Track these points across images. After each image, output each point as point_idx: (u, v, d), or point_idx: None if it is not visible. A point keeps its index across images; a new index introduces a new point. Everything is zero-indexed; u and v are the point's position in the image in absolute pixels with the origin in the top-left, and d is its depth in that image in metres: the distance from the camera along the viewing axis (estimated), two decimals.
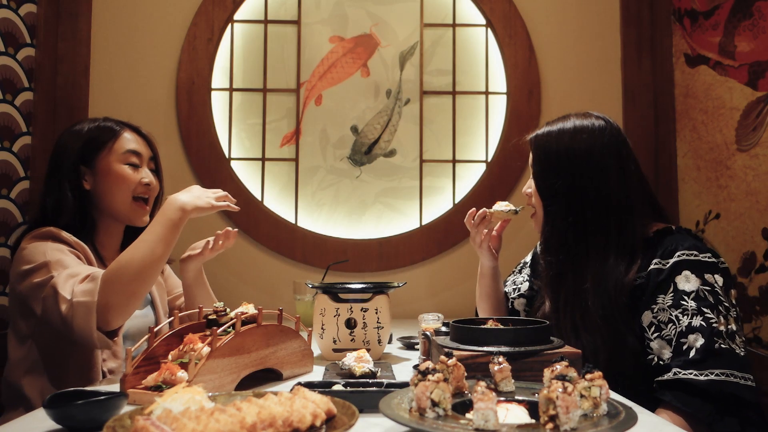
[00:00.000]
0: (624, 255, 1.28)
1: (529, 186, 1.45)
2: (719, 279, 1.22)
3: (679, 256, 1.23)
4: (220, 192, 1.43)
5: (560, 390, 0.70)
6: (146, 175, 1.53)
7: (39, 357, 1.38)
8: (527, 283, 1.62)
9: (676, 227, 1.32)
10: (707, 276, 1.21)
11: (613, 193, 1.31)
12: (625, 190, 1.32)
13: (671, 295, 1.21)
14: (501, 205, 1.54)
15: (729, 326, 1.17)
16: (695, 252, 1.24)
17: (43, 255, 1.34)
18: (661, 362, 1.19)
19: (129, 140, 1.53)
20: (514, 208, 1.54)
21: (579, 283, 1.30)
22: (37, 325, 1.37)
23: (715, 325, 1.16)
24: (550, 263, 1.35)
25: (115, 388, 1.04)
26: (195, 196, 1.38)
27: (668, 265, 1.23)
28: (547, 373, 0.87)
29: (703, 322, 1.16)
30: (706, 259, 1.24)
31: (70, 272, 1.30)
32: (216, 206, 1.40)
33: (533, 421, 0.78)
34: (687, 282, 1.21)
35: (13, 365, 1.40)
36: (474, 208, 1.57)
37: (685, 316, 1.18)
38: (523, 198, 1.49)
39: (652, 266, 1.25)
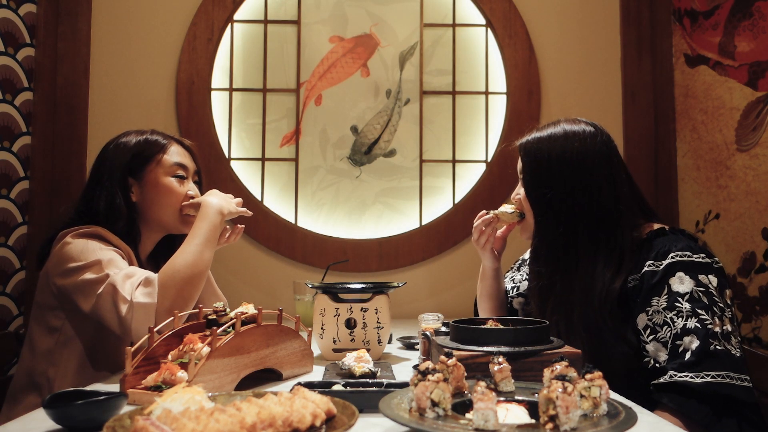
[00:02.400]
0: (612, 263, 1.28)
1: (517, 192, 1.45)
2: (713, 279, 1.22)
3: (672, 257, 1.23)
4: (234, 198, 1.54)
5: (560, 390, 0.70)
6: (192, 188, 1.55)
7: (67, 348, 1.39)
8: (527, 282, 1.61)
9: (669, 228, 1.31)
10: (701, 277, 1.21)
11: (603, 202, 1.30)
12: (615, 198, 1.31)
13: (665, 297, 1.20)
14: (507, 207, 1.52)
15: (724, 327, 1.17)
16: (689, 253, 1.23)
17: (94, 253, 1.35)
18: (657, 365, 1.18)
19: (176, 153, 1.54)
20: (517, 211, 1.51)
21: (566, 292, 1.30)
22: (74, 319, 1.38)
23: (710, 326, 1.16)
24: (539, 273, 1.34)
25: (115, 388, 1.04)
26: (225, 200, 1.49)
27: (662, 267, 1.23)
28: (547, 373, 0.87)
29: (698, 324, 1.16)
30: (700, 259, 1.23)
31: (127, 272, 1.32)
32: (239, 211, 1.52)
33: (533, 421, 0.78)
34: (681, 283, 1.20)
35: (40, 354, 1.41)
36: (484, 211, 1.56)
37: (680, 318, 1.17)
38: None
39: (645, 268, 1.24)
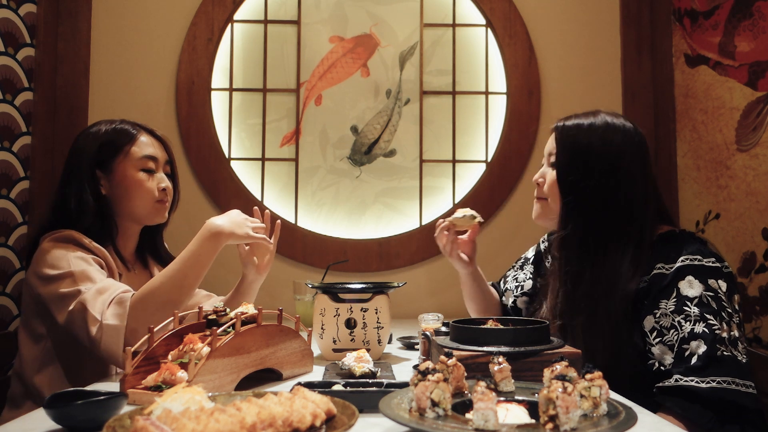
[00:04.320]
0: (635, 261, 1.27)
1: (541, 175, 1.41)
2: (723, 284, 1.21)
3: (682, 261, 1.22)
4: (258, 222, 1.45)
5: (560, 390, 0.70)
6: (162, 179, 1.52)
7: (54, 355, 1.38)
8: (531, 281, 1.61)
9: (680, 231, 1.31)
10: (711, 281, 1.20)
11: (636, 199, 1.29)
12: (646, 198, 1.30)
13: (674, 300, 1.20)
14: (461, 213, 1.54)
15: (732, 333, 1.16)
16: (699, 257, 1.22)
17: (68, 263, 1.32)
18: (662, 368, 1.18)
19: (145, 144, 1.51)
20: (472, 214, 1.53)
21: (594, 284, 1.28)
22: (55, 327, 1.36)
23: (717, 331, 1.15)
24: (569, 259, 1.31)
25: (115, 388, 1.04)
26: (233, 222, 1.39)
27: (672, 270, 1.22)
28: (547, 373, 0.87)
29: (705, 329, 1.15)
30: (710, 264, 1.22)
31: (100, 288, 1.29)
32: (252, 237, 1.42)
33: (533, 421, 0.78)
34: (690, 287, 1.20)
35: (27, 363, 1.40)
36: (441, 220, 1.58)
37: (688, 322, 1.17)
38: (481, 205, 1.48)
39: (655, 270, 1.24)
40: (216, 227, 1.37)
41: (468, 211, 1.53)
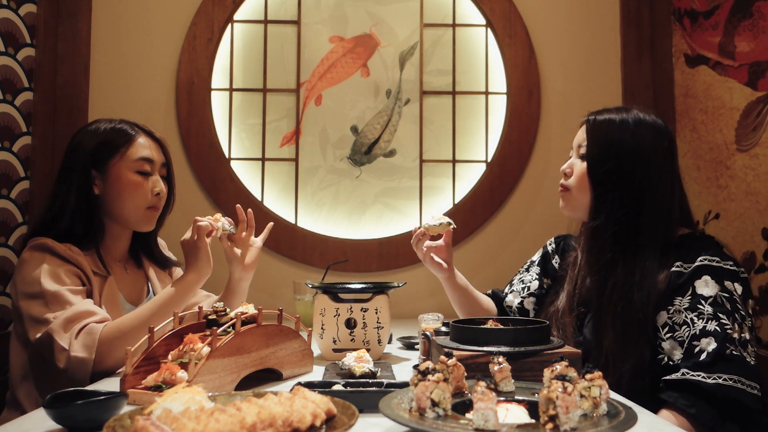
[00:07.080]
0: (662, 258, 1.28)
1: (569, 166, 1.42)
2: (738, 287, 1.23)
3: (701, 261, 1.24)
4: (203, 219, 1.44)
5: (560, 390, 0.70)
6: (157, 183, 1.51)
7: (39, 365, 1.36)
8: (537, 282, 1.62)
9: (699, 233, 1.34)
10: (727, 283, 1.22)
11: (665, 197, 1.31)
12: (672, 196, 1.32)
13: (689, 298, 1.22)
14: (434, 219, 1.53)
15: (743, 335, 1.18)
16: (717, 258, 1.25)
17: (39, 282, 1.31)
18: (670, 362, 1.19)
19: (142, 146, 1.49)
20: (448, 221, 1.52)
21: (627, 275, 1.28)
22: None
23: (729, 331, 1.16)
24: (602, 249, 1.32)
25: (115, 387, 1.04)
26: (197, 265, 1.41)
27: (689, 269, 1.24)
28: (547, 373, 0.87)
29: (717, 328, 1.17)
30: (728, 266, 1.24)
31: (68, 317, 1.27)
32: (202, 234, 1.41)
33: (533, 421, 0.78)
34: (706, 287, 1.21)
35: (14, 368, 1.39)
36: (416, 227, 1.58)
37: (701, 320, 1.18)
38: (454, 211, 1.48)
39: (673, 269, 1.26)
40: (183, 280, 1.40)
41: (442, 218, 1.53)
